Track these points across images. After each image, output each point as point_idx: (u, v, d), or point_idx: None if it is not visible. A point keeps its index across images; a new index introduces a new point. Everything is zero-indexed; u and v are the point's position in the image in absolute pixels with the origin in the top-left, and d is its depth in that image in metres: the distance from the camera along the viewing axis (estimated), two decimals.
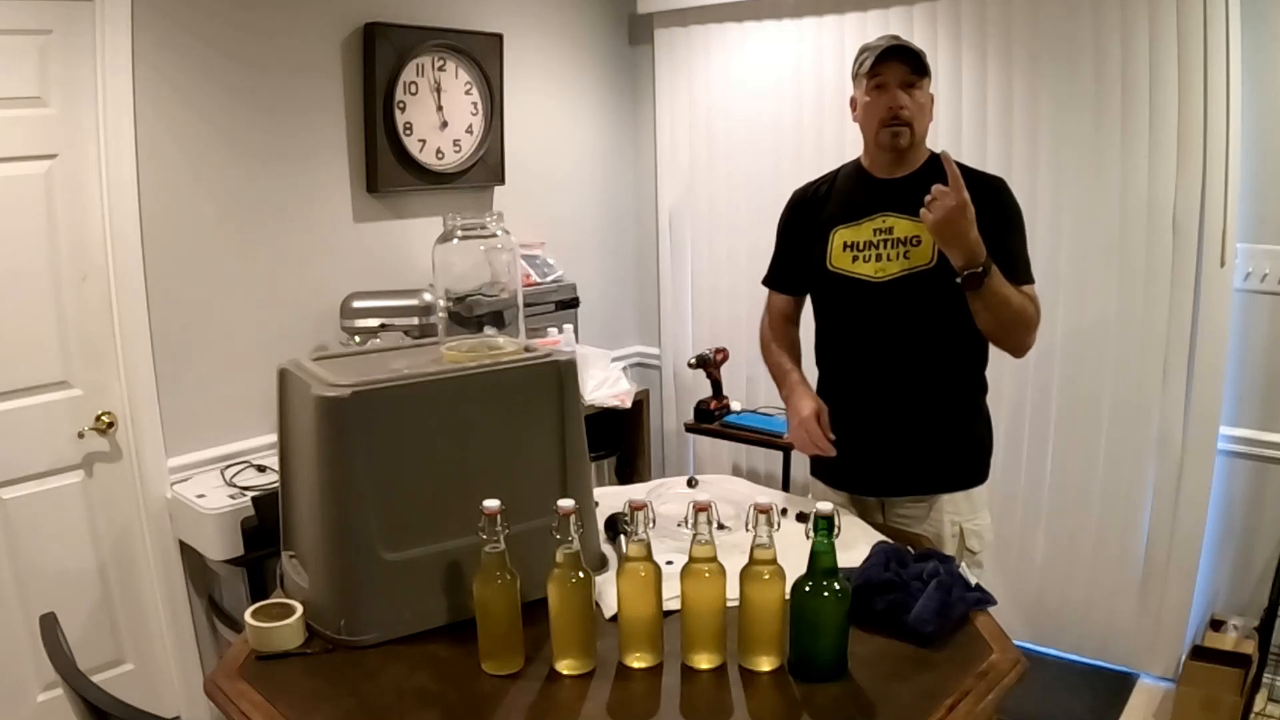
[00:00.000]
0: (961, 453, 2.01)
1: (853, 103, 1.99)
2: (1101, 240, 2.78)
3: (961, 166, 1.97)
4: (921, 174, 1.94)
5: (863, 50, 1.94)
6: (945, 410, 1.98)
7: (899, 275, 1.90)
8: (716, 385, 3.41)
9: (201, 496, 2.50)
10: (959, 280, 1.78)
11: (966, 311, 1.84)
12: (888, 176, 1.96)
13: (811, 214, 2.06)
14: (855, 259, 1.95)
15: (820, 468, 2.12)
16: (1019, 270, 1.89)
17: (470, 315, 2.43)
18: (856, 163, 2.04)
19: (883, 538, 1.78)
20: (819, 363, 2.12)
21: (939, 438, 1.98)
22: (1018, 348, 1.92)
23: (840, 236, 1.98)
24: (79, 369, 2.48)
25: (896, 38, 1.92)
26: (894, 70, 1.87)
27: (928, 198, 1.75)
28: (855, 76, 1.96)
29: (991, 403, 2.06)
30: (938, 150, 1.99)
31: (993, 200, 1.89)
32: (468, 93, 3.17)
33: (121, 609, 2.63)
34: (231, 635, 2.56)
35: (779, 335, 2.16)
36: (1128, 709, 2.77)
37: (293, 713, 1.31)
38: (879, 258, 1.93)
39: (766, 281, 2.20)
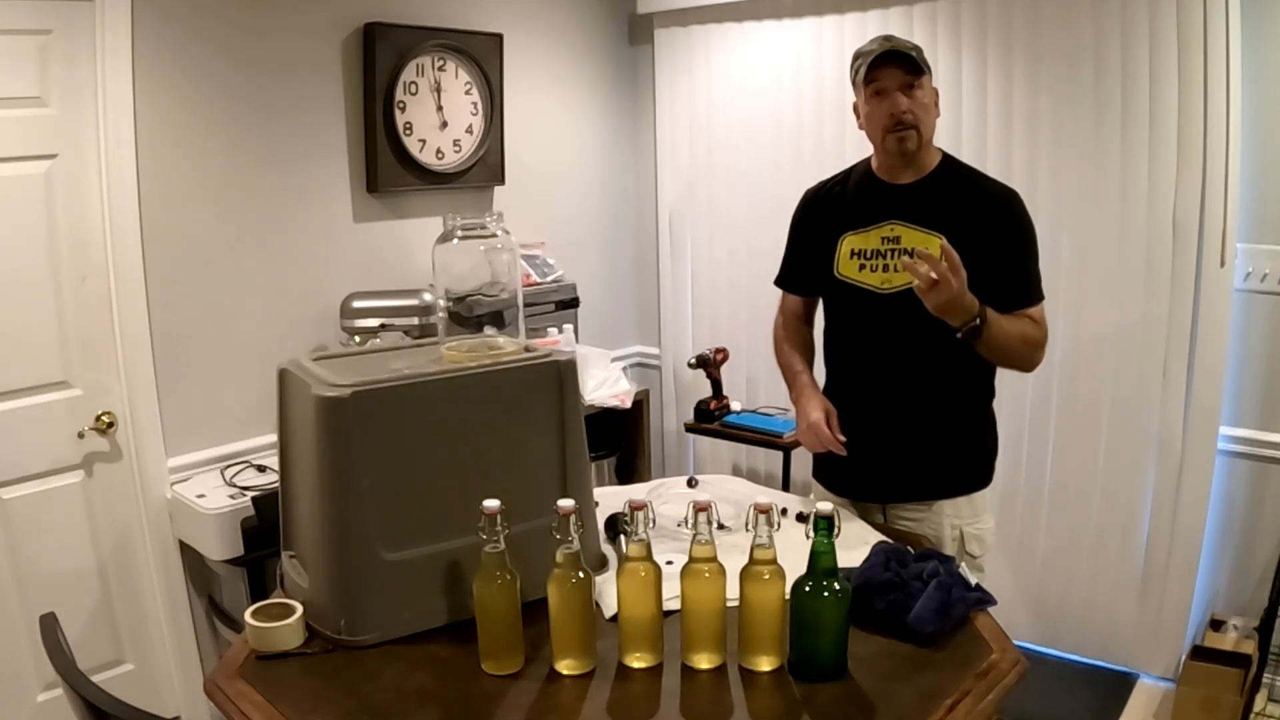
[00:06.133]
0: (965, 458, 2.00)
1: (856, 109, 1.95)
2: (1102, 240, 2.78)
3: (974, 174, 1.94)
4: (931, 180, 1.91)
5: (857, 56, 1.90)
6: (951, 418, 1.96)
7: (905, 287, 1.85)
8: (716, 385, 3.41)
9: (201, 496, 2.50)
10: (959, 336, 1.73)
11: None
12: (897, 182, 1.93)
13: (822, 216, 2.04)
14: (862, 268, 1.94)
15: (822, 471, 2.12)
16: (1029, 291, 1.87)
17: (470, 315, 2.43)
18: (867, 164, 2.01)
19: (883, 537, 1.78)
20: (827, 364, 2.11)
21: (944, 445, 1.97)
22: (1025, 370, 1.92)
23: (848, 243, 1.96)
24: (79, 369, 2.48)
25: (890, 39, 1.87)
26: (890, 75, 1.83)
27: (921, 285, 1.67)
28: (854, 84, 1.92)
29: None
30: (948, 150, 1.98)
31: (1005, 216, 1.87)
32: (468, 93, 3.17)
33: (121, 609, 2.63)
34: (231, 635, 2.56)
35: (791, 336, 2.15)
36: (1128, 709, 2.77)
37: (293, 713, 1.31)
38: (885, 268, 1.91)
39: (779, 282, 2.19)
